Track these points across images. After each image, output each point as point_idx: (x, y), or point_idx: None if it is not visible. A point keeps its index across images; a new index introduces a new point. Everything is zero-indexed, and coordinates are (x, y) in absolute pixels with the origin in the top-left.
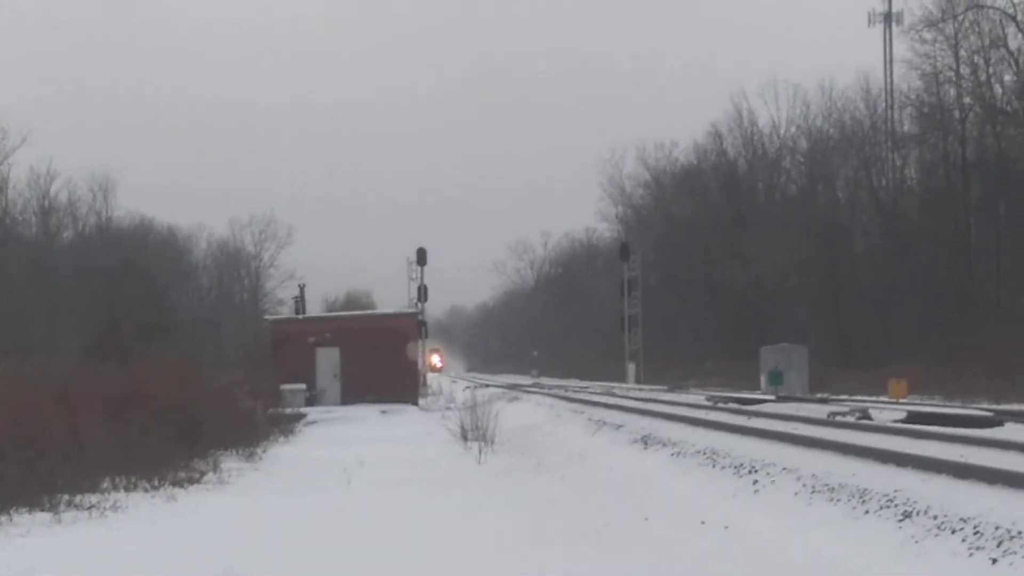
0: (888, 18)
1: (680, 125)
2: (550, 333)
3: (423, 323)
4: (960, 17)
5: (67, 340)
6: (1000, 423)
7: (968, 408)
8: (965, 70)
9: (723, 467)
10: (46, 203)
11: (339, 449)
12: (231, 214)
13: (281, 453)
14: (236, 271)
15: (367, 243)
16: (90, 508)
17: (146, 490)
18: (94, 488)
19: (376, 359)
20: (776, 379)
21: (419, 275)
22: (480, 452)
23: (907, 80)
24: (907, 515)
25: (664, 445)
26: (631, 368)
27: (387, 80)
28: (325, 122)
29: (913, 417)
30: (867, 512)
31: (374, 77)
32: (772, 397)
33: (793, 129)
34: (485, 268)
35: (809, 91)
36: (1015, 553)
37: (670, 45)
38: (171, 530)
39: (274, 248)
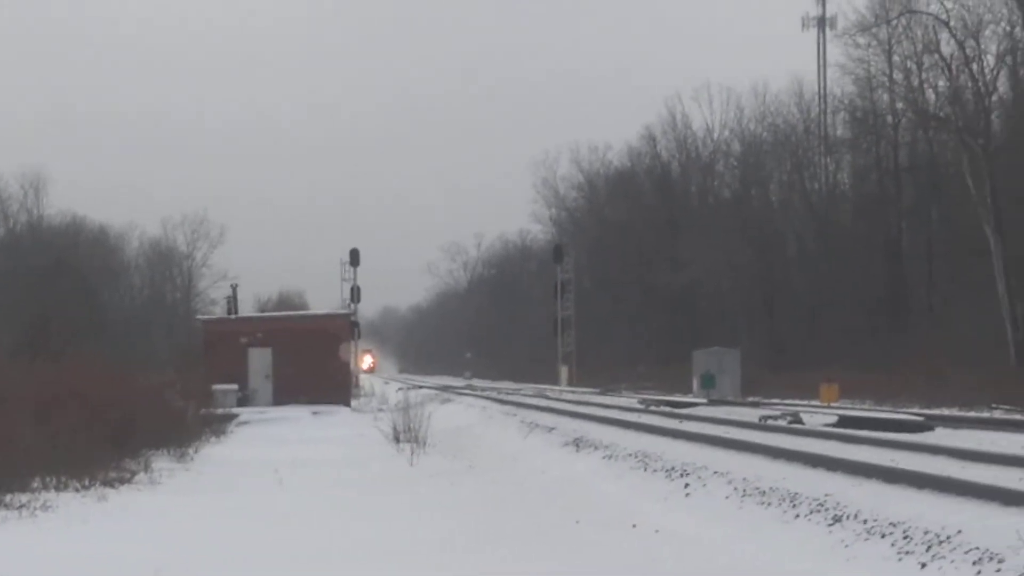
0: (822, 22)
1: (614, 128)
2: (483, 335)
3: (356, 324)
4: (893, 22)
5: None
6: (930, 428)
7: (899, 413)
8: (898, 75)
9: (655, 470)
10: None
11: (271, 450)
12: (163, 213)
13: (213, 453)
14: (168, 270)
15: (300, 243)
16: (20, 508)
17: (77, 490)
18: (24, 488)
19: (308, 360)
20: (708, 382)
21: (352, 276)
22: (412, 454)
23: (840, 85)
24: (837, 519)
25: (596, 448)
26: (564, 370)
27: (321, 83)
28: (258, 122)
29: (844, 421)
30: (798, 516)
31: (306, 79)
32: (704, 400)
33: (727, 133)
34: (418, 269)
35: (743, 95)
36: (944, 558)
37: (605, 47)
38: (102, 530)
39: (207, 248)
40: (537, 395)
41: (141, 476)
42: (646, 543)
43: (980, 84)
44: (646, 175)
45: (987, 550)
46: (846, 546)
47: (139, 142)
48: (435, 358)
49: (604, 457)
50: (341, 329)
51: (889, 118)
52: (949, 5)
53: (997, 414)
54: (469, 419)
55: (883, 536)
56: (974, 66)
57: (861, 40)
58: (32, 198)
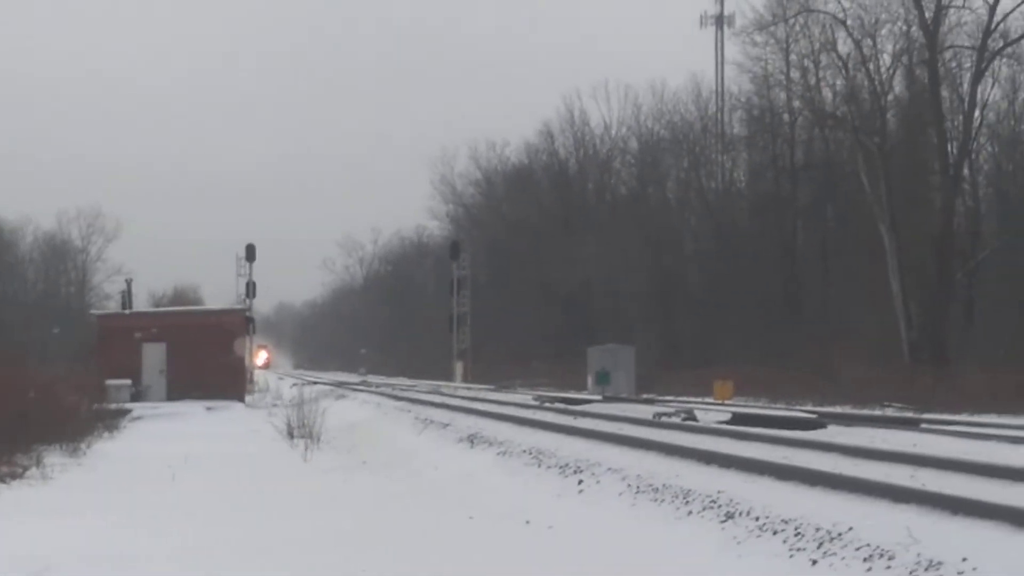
0: (720, 20)
1: (512, 124)
2: (379, 331)
3: (251, 320)
4: (791, 21)
5: None
6: (823, 425)
7: (792, 410)
8: (795, 74)
9: (549, 467)
10: None
11: (164, 445)
12: (58, 207)
13: (106, 449)
14: (63, 265)
15: (196, 238)
16: None
17: None
18: None
19: (203, 355)
20: (603, 379)
21: (248, 271)
22: (306, 450)
23: (738, 83)
24: (730, 516)
25: (490, 444)
26: (459, 367)
27: (220, 72)
28: (154, 111)
29: (738, 418)
30: (690, 513)
31: (204, 69)
32: (599, 397)
33: (624, 130)
34: (314, 265)
35: (640, 92)
36: (835, 555)
37: (503, 42)
38: None
39: (102, 242)
40: (432, 391)
41: (32, 472)
42: (539, 539)
43: (876, 83)
44: (544, 172)
45: (878, 547)
46: (738, 543)
47: (33, 132)
48: (330, 354)
49: (498, 453)
50: (236, 325)
51: (786, 116)
52: (846, 4)
53: (889, 412)
54: (363, 415)
55: (775, 533)
56: (870, 65)
57: (759, 38)
58: None
